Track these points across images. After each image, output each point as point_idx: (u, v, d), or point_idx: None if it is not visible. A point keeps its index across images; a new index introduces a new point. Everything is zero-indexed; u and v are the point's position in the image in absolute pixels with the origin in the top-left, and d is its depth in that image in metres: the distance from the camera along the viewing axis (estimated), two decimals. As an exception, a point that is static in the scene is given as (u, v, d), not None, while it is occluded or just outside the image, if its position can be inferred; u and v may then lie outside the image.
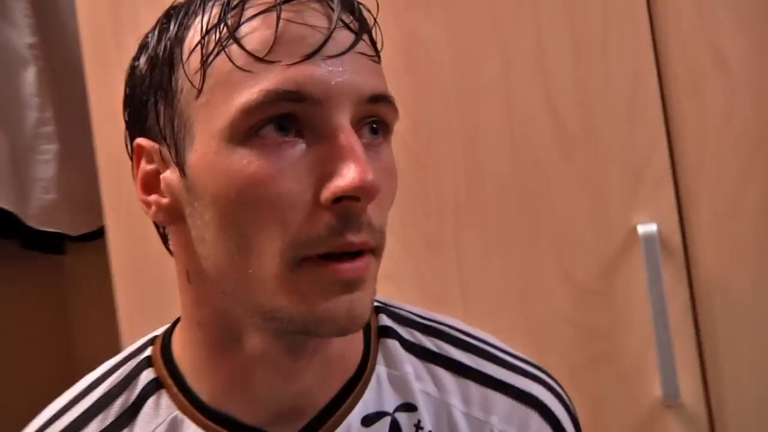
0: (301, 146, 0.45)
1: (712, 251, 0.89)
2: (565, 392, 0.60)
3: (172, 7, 0.51)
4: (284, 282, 0.45)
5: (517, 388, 0.57)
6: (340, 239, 0.45)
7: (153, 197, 0.50)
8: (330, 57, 0.45)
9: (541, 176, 0.92)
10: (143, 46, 0.52)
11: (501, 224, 0.92)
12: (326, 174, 0.45)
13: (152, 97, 0.49)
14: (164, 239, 0.56)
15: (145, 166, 0.51)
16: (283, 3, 0.45)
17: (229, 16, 0.46)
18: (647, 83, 0.90)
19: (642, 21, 0.90)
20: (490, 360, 0.59)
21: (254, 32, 0.45)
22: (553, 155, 0.91)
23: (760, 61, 0.88)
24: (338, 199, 0.44)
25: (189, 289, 0.52)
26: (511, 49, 0.92)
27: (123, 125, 0.54)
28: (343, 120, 0.45)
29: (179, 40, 0.48)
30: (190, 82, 0.47)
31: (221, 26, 0.46)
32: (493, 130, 0.93)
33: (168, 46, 0.49)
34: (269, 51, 0.45)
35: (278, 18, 0.45)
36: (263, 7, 0.46)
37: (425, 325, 0.60)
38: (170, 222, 0.51)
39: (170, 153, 0.48)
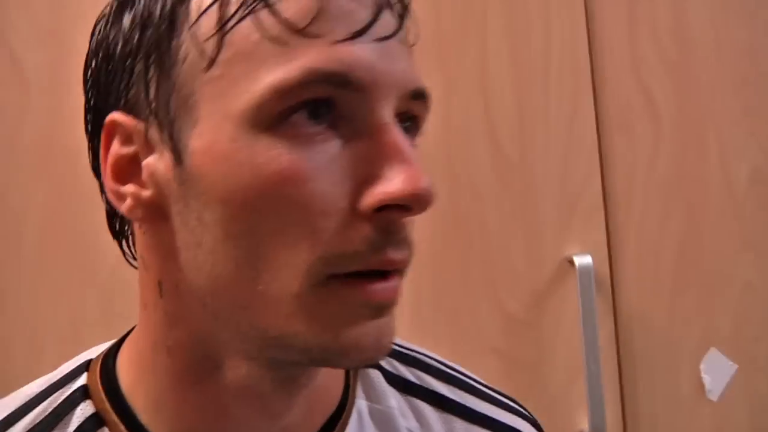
0: (337, 141, 0.38)
1: (635, 284, 0.91)
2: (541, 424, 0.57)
3: None
4: (305, 304, 0.37)
5: (504, 424, 0.54)
6: (379, 256, 0.37)
7: (130, 188, 0.40)
8: (377, 40, 0.39)
9: (477, 200, 0.89)
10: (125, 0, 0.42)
11: (433, 247, 0.89)
12: (368, 177, 0.37)
13: (140, 64, 0.39)
14: (119, 240, 0.45)
15: (120, 149, 0.40)
16: None
17: None
18: (584, 117, 0.91)
19: (582, 56, 0.91)
20: (472, 393, 0.55)
21: None
22: (490, 179, 0.89)
23: (682, 101, 0.93)
24: (381, 208, 0.37)
25: (160, 304, 0.42)
26: (453, 69, 0.90)
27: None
28: (388, 115, 0.39)
29: None
30: (199, 49, 0.38)
31: None
32: (430, 149, 0.89)
33: (168, 1, 0.39)
34: (310, 23, 0.37)
35: None
36: None
37: (402, 353, 0.55)
38: (150, 220, 0.41)
39: (161, 134, 0.39)
